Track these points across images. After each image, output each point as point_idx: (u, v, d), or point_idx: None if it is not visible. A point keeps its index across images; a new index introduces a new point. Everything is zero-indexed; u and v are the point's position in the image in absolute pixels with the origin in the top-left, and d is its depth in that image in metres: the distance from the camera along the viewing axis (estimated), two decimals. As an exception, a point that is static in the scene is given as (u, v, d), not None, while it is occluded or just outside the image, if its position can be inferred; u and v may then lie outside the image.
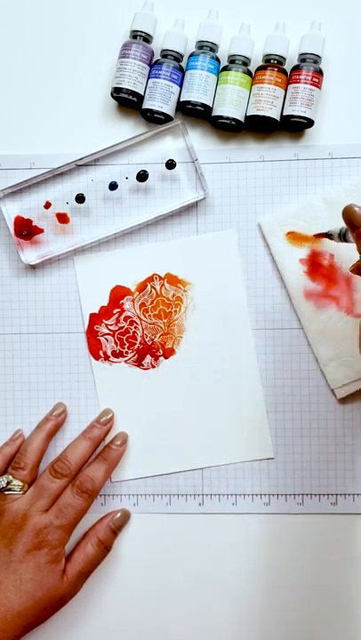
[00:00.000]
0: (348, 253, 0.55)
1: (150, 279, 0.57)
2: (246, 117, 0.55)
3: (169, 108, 0.55)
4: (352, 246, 0.54)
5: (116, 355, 0.57)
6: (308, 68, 0.54)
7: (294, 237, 0.56)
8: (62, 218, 0.57)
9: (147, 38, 0.55)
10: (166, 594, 0.56)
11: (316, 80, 0.54)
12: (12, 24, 0.58)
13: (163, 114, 0.55)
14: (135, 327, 0.57)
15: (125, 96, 0.55)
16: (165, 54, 0.55)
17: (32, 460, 0.54)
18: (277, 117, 0.54)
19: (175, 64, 0.55)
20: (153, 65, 0.55)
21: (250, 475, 0.56)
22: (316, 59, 0.54)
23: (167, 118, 0.55)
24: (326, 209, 0.55)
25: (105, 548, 0.55)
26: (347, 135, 0.56)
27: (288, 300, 0.56)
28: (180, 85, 0.55)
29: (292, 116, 0.54)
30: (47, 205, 0.57)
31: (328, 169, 0.56)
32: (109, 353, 0.57)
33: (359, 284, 0.55)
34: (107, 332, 0.57)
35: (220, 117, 0.54)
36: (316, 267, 0.56)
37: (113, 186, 0.56)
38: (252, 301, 0.57)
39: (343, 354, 0.55)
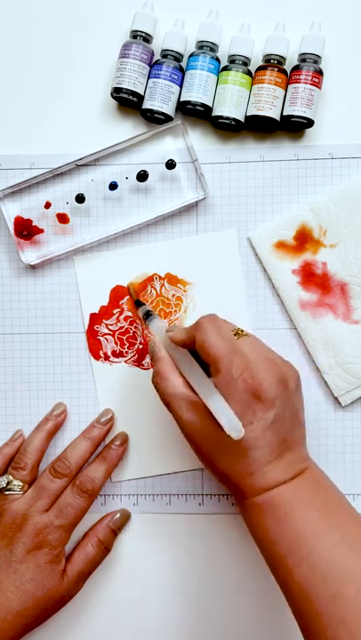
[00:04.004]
0: (341, 260, 0.55)
1: (150, 279, 0.57)
2: (246, 117, 0.55)
3: (169, 108, 0.55)
4: (345, 254, 0.55)
5: (117, 355, 0.57)
6: (308, 68, 0.54)
7: (284, 248, 0.56)
8: (62, 218, 0.57)
9: (147, 38, 0.55)
10: (166, 594, 0.56)
11: (316, 80, 0.54)
12: (12, 24, 0.58)
13: (163, 114, 0.55)
14: (135, 327, 0.57)
15: (125, 96, 0.55)
16: (165, 54, 0.55)
17: (32, 460, 0.54)
18: (277, 117, 0.54)
19: (175, 64, 0.55)
20: (153, 65, 0.55)
21: (250, 475, 0.56)
22: (316, 59, 0.54)
23: (167, 118, 0.55)
24: (314, 218, 0.55)
25: (105, 549, 0.55)
26: (347, 135, 0.56)
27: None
28: (180, 85, 0.55)
29: (292, 116, 0.54)
30: (47, 205, 0.57)
31: (328, 169, 0.56)
32: (109, 353, 0.57)
33: (354, 291, 0.55)
34: (107, 331, 0.57)
35: (220, 117, 0.54)
36: (310, 276, 0.56)
37: (113, 186, 0.56)
38: (252, 301, 0.57)
39: (344, 361, 0.55)
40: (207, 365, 0.47)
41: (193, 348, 0.48)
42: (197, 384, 0.46)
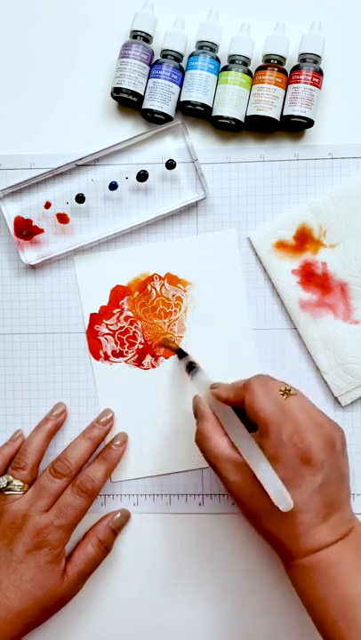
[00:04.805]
0: (341, 260, 0.55)
1: (150, 279, 0.57)
2: (246, 117, 0.55)
3: (169, 108, 0.55)
4: (345, 254, 0.55)
5: (117, 355, 0.57)
6: (308, 68, 0.54)
7: (284, 248, 0.56)
8: (62, 218, 0.57)
9: (147, 38, 0.55)
10: (166, 594, 0.56)
11: (316, 80, 0.54)
12: (12, 24, 0.58)
13: (163, 114, 0.55)
14: (135, 327, 0.57)
15: (125, 96, 0.55)
16: (165, 54, 0.55)
17: (32, 460, 0.54)
18: (277, 117, 0.54)
19: (175, 64, 0.55)
20: (153, 65, 0.55)
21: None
22: (316, 59, 0.54)
23: (167, 118, 0.55)
24: (314, 218, 0.55)
25: (105, 549, 0.55)
26: (347, 135, 0.56)
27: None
28: (180, 85, 0.55)
29: (292, 116, 0.54)
30: (47, 205, 0.57)
31: (328, 169, 0.56)
32: (109, 353, 0.57)
33: (354, 291, 0.55)
34: (107, 331, 0.57)
35: (220, 117, 0.54)
36: (310, 276, 0.56)
37: (113, 186, 0.56)
38: (253, 301, 0.57)
39: (344, 361, 0.55)
40: (251, 422, 0.47)
41: (238, 405, 0.48)
42: (244, 449, 0.46)
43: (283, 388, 0.48)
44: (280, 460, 0.45)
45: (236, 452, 0.46)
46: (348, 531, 0.46)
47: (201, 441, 0.48)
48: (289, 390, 0.48)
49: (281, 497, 0.43)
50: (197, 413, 0.50)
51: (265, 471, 0.44)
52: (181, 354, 0.55)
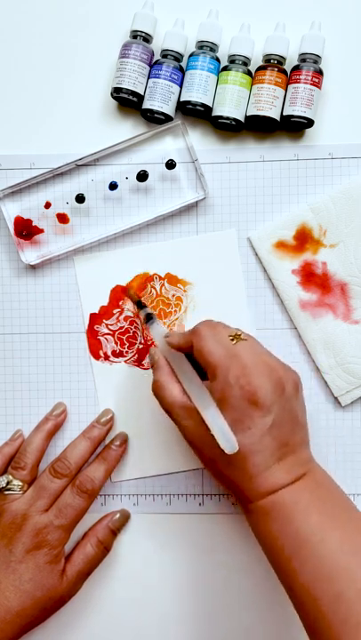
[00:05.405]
0: (341, 260, 0.55)
1: (150, 279, 0.57)
2: (246, 117, 0.55)
3: (169, 108, 0.55)
4: (345, 254, 0.55)
5: (117, 354, 0.57)
6: (308, 68, 0.54)
7: (284, 248, 0.56)
8: (62, 218, 0.57)
9: (147, 38, 0.55)
10: (166, 594, 0.56)
11: (316, 80, 0.54)
12: (12, 24, 0.58)
13: (163, 114, 0.55)
14: (135, 327, 0.57)
15: (125, 96, 0.55)
16: (165, 54, 0.55)
17: (32, 460, 0.54)
18: (277, 117, 0.54)
19: (175, 64, 0.55)
20: (153, 65, 0.55)
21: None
22: (316, 59, 0.54)
23: (167, 118, 0.55)
24: (314, 218, 0.55)
25: (104, 549, 0.55)
26: (347, 135, 0.56)
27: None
28: (181, 85, 0.55)
29: (292, 116, 0.54)
30: (47, 205, 0.57)
31: (328, 169, 0.56)
32: (109, 353, 0.57)
33: (354, 291, 0.55)
34: (107, 331, 0.57)
35: (221, 117, 0.54)
36: (310, 276, 0.56)
37: (113, 186, 0.56)
38: (253, 301, 0.57)
39: (344, 361, 0.55)
40: (205, 370, 0.47)
41: (190, 352, 0.48)
42: (194, 394, 0.47)
43: (233, 334, 0.48)
44: (227, 402, 0.45)
45: (189, 398, 0.47)
46: (304, 473, 0.46)
47: (156, 390, 0.49)
48: (239, 335, 0.48)
49: (226, 439, 0.44)
50: (153, 364, 0.50)
51: (211, 414, 0.45)
52: (140, 305, 0.55)
